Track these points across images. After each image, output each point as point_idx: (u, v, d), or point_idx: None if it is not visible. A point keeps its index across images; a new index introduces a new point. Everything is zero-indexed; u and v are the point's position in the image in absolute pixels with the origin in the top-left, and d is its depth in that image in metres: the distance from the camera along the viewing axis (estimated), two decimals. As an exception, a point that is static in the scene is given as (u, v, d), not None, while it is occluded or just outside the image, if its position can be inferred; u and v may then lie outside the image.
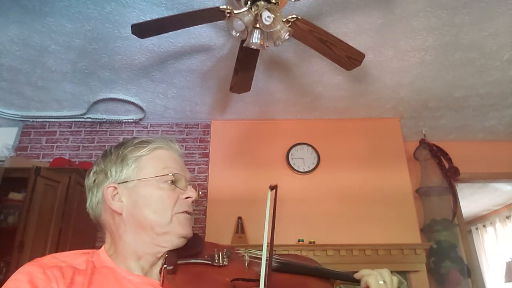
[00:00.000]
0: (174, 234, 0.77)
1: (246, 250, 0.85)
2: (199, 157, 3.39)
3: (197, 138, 3.47)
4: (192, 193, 0.84)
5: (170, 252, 0.76)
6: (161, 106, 3.24)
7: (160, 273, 0.75)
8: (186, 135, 3.48)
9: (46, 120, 3.41)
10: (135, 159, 0.81)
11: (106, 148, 0.87)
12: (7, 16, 2.18)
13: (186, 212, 0.82)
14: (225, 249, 0.83)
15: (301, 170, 3.30)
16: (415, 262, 2.97)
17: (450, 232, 3.26)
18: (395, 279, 0.86)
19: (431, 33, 2.36)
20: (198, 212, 3.15)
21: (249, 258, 0.82)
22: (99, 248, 0.81)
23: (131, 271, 0.75)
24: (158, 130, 3.46)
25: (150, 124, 3.48)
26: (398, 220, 3.12)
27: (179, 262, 0.74)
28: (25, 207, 2.50)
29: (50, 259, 0.72)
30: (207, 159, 3.37)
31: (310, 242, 2.97)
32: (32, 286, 0.63)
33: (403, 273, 3.01)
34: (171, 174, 0.80)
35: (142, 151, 0.82)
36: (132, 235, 0.77)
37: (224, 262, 0.78)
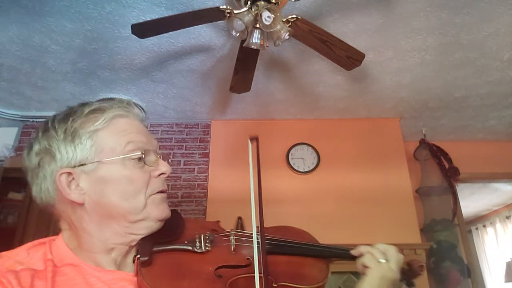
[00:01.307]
0: (151, 219, 0.67)
1: (232, 231, 0.76)
2: (199, 157, 3.39)
3: (197, 138, 3.47)
4: (165, 168, 0.70)
5: (143, 238, 0.66)
6: (161, 106, 3.24)
7: (134, 262, 0.65)
8: (186, 135, 3.48)
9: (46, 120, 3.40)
10: (90, 134, 0.65)
11: (46, 120, 0.69)
12: (7, 16, 2.18)
13: (161, 191, 0.70)
14: (207, 232, 0.73)
15: (301, 170, 3.29)
16: (415, 262, 2.97)
17: (450, 232, 3.26)
18: (401, 256, 0.78)
19: (431, 33, 2.36)
20: (198, 212, 3.15)
21: (235, 242, 0.74)
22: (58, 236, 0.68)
23: (100, 267, 0.64)
24: (158, 130, 3.46)
25: (150, 124, 3.48)
26: (398, 220, 3.12)
27: (154, 249, 0.65)
28: (24, 207, 2.50)
29: (3, 260, 0.60)
30: (207, 159, 3.37)
31: (310, 242, 2.97)
32: None
33: (403, 273, 3.01)
34: (139, 152, 0.67)
35: (97, 123, 0.66)
36: (99, 226, 0.65)
37: (207, 248, 0.69)
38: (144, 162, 0.68)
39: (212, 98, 3.15)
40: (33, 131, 3.41)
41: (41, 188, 0.66)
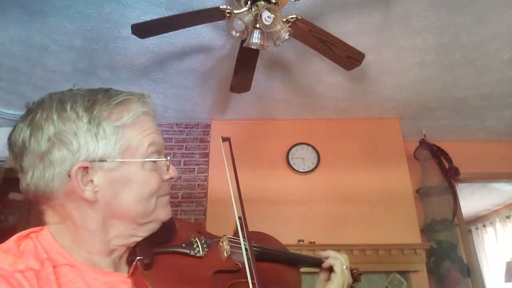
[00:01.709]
0: (158, 221, 0.66)
1: (223, 236, 0.77)
2: (199, 157, 3.39)
3: (197, 138, 3.47)
4: (174, 173, 0.68)
5: (141, 240, 0.65)
6: (161, 106, 3.24)
7: (130, 265, 0.63)
8: (186, 135, 3.48)
9: (46, 120, 3.40)
10: (116, 129, 0.60)
11: (60, 96, 0.61)
12: (7, 16, 2.18)
13: (166, 194, 0.69)
14: (202, 236, 0.73)
15: (301, 170, 3.29)
16: (415, 262, 2.97)
17: (450, 232, 3.26)
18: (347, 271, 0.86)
19: (431, 33, 2.36)
20: (198, 212, 3.14)
21: (228, 247, 0.74)
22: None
23: (96, 268, 0.60)
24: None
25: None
26: (398, 220, 3.12)
27: (154, 251, 0.64)
28: (25, 207, 2.50)
29: (1, 257, 0.53)
30: (207, 159, 3.37)
31: (310, 242, 2.97)
32: None
33: (403, 273, 3.01)
34: (161, 157, 0.65)
35: (124, 118, 0.62)
36: (104, 227, 0.61)
37: (204, 252, 0.69)
38: (158, 166, 0.66)
39: (212, 98, 3.15)
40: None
41: (43, 176, 0.58)
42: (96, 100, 0.61)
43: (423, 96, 3.09)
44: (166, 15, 1.97)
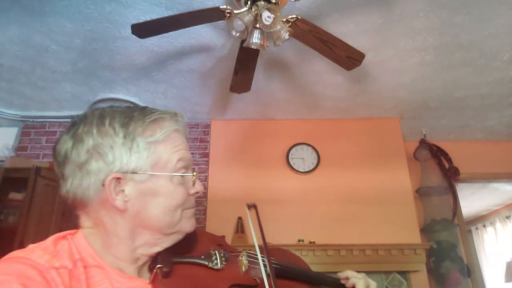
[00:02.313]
0: (182, 232, 0.70)
1: (244, 251, 0.78)
2: (199, 157, 3.39)
3: (197, 138, 3.47)
4: (200, 188, 0.72)
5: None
6: (161, 106, 3.23)
7: (151, 271, 0.66)
8: (186, 135, 3.48)
9: (46, 120, 3.40)
10: (148, 145, 0.65)
11: (101, 112, 0.67)
12: (7, 16, 2.18)
13: (192, 207, 0.73)
14: (222, 250, 0.76)
15: (301, 170, 3.29)
16: (415, 262, 2.97)
17: (450, 232, 3.26)
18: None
19: (431, 33, 2.36)
20: (198, 212, 3.15)
21: (247, 262, 0.76)
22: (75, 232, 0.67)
23: (124, 273, 0.65)
24: (158, 130, 3.46)
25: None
26: (398, 220, 3.12)
27: (174, 260, 0.67)
28: (25, 207, 2.50)
29: (40, 254, 0.58)
30: (207, 159, 3.37)
31: (310, 242, 2.97)
32: None
33: (403, 273, 3.01)
34: (189, 172, 0.70)
35: (157, 135, 0.67)
36: (132, 235, 0.66)
37: (222, 265, 0.71)
38: (185, 180, 0.70)
39: (212, 98, 3.15)
40: (33, 131, 3.42)
41: (81, 184, 0.64)
42: (132, 117, 0.67)
43: (423, 96, 3.09)
44: (166, 15, 1.97)
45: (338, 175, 3.28)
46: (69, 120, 3.36)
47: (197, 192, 0.72)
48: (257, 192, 3.20)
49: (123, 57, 2.58)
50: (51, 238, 0.64)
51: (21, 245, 2.39)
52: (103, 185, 0.63)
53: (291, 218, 3.11)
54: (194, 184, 0.71)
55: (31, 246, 0.61)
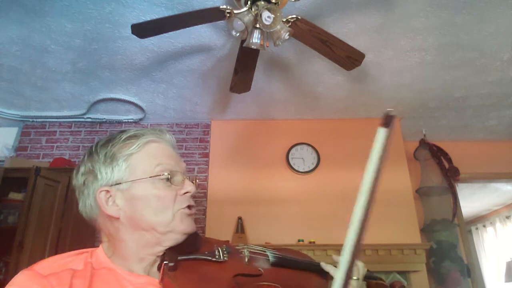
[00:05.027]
0: (178, 232, 0.75)
1: (245, 246, 0.84)
2: (199, 157, 3.39)
3: (197, 138, 3.47)
4: (190, 187, 0.79)
5: (168, 248, 0.74)
6: (161, 106, 3.24)
7: (159, 270, 0.72)
8: (186, 135, 3.48)
9: (46, 120, 3.41)
10: (125, 158, 0.75)
11: (91, 145, 0.81)
12: (7, 16, 2.18)
13: (188, 207, 0.78)
14: (224, 245, 0.81)
15: (301, 170, 3.29)
16: (415, 262, 2.97)
17: (450, 232, 3.26)
18: (365, 270, 0.84)
19: (431, 33, 2.36)
20: (198, 212, 3.14)
21: (248, 254, 0.81)
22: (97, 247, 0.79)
23: (132, 272, 0.73)
24: (158, 130, 3.46)
25: (150, 124, 3.48)
26: (398, 220, 3.12)
27: (179, 258, 0.72)
28: (25, 207, 2.50)
29: (46, 265, 0.70)
30: (207, 159, 3.37)
31: (310, 242, 2.97)
32: None
33: (403, 273, 3.01)
34: (166, 173, 0.76)
35: (132, 148, 0.76)
36: (134, 236, 0.74)
37: (225, 258, 0.76)
38: (171, 182, 0.76)
39: (212, 98, 3.15)
40: (33, 131, 3.42)
41: (86, 204, 0.77)
42: (111, 138, 0.79)
43: (423, 96, 3.09)
44: (166, 15, 1.97)
45: (338, 175, 3.28)
46: (69, 120, 3.38)
47: (188, 192, 0.78)
48: (257, 192, 3.20)
49: (123, 57, 2.58)
50: (72, 252, 0.75)
51: (21, 245, 2.39)
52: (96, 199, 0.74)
53: (291, 218, 3.11)
54: (183, 185, 0.78)
55: (59, 256, 0.75)
